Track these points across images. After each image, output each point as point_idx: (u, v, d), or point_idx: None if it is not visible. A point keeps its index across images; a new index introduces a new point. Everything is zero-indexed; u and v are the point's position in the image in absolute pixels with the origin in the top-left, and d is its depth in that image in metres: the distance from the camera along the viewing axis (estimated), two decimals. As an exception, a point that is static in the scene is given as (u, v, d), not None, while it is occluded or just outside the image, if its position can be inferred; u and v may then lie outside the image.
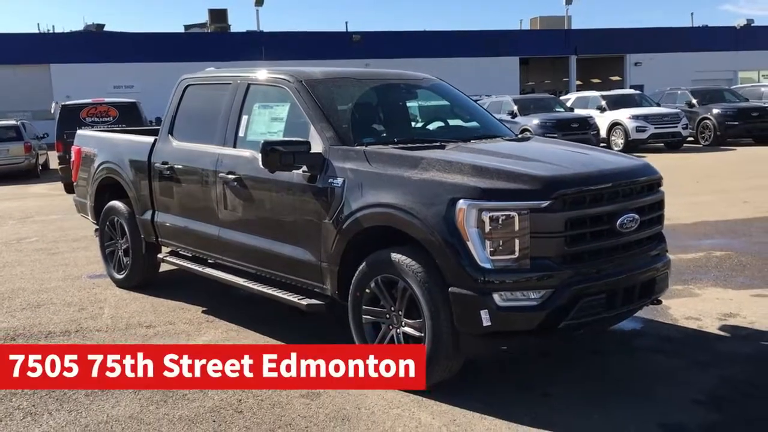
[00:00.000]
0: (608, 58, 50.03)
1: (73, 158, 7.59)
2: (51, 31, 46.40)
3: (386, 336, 4.36)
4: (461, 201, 3.90)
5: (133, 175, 6.47)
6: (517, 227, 3.87)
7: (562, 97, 25.23)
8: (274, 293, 5.05)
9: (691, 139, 22.57)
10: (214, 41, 44.64)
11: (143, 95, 34.90)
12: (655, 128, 20.71)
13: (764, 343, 4.98)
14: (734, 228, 9.06)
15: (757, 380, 4.35)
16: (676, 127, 20.91)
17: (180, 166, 5.88)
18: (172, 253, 6.35)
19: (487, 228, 3.86)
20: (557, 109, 21.82)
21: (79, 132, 7.76)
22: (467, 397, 4.13)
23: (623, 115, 21.22)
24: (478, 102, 20.95)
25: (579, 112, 21.77)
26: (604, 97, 22.79)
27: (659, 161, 18.33)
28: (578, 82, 49.72)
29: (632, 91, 25.39)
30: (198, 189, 5.70)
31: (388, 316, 4.34)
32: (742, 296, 6.08)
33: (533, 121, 20.01)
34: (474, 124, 5.64)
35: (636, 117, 20.92)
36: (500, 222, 3.86)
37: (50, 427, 3.92)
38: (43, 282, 7.34)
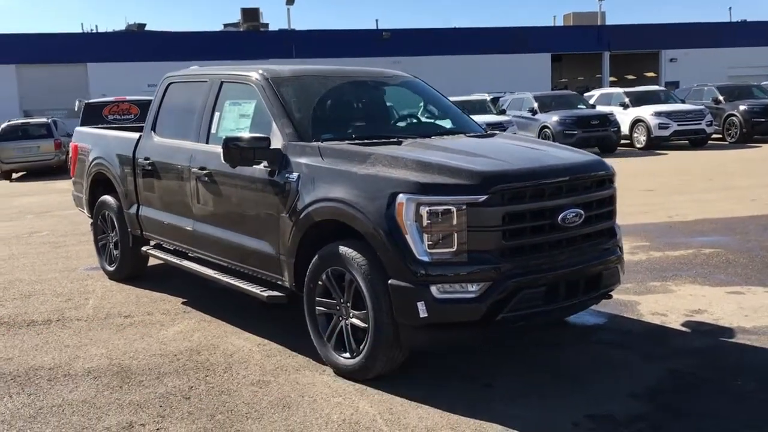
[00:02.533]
0: (643, 54, 49.28)
1: (71, 154, 7.85)
2: (93, 31, 47.39)
3: (337, 327, 4.48)
4: (401, 195, 4.00)
5: (120, 170, 6.69)
6: (454, 221, 3.95)
7: (586, 94, 24.99)
8: (240, 285, 5.21)
9: (719, 136, 22.23)
10: (246, 40, 45.16)
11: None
12: (678, 125, 20.44)
13: (722, 339, 4.98)
14: (732, 225, 8.97)
15: (703, 373, 4.37)
16: (700, 124, 20.61)
17: (159, 162, 6.08)
18: (156, 247, 6.55)
19: (425, 222, 3.95)
20: (579, 106, 21.65)
21: (76, 129, 8.03)
22: (410, 387, 4.23)
23: (646, 111, 20.98)
24: (500, 99, 20.96)
25: (601, 109, 21.57)
26: (627, 94, 22.55)
27: (678, 159, 18.24)
28: (612, 79, 49.09)
29: (657, 87, 25.07)
30: (175, 184, 5.89)
31: (338, 307, 4.46)
32: (716, 293, 6.06)
33: (553, 119, 19.93)
34: (440, 120, 5.73)
35: (659, 114, 20.68)
36: (438, 216, 3.95)
37: (7, 409, 4.12)
38: (41, 273, 7.62)
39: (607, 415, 3.81)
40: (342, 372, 4.45)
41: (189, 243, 5.89)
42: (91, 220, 7.48)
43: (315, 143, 4.72)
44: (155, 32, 45.64)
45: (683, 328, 5.23)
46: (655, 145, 20.70)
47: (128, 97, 17.32)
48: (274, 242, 4.84)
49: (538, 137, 20.34)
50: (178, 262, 6.04)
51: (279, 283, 4.92)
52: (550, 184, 4.22)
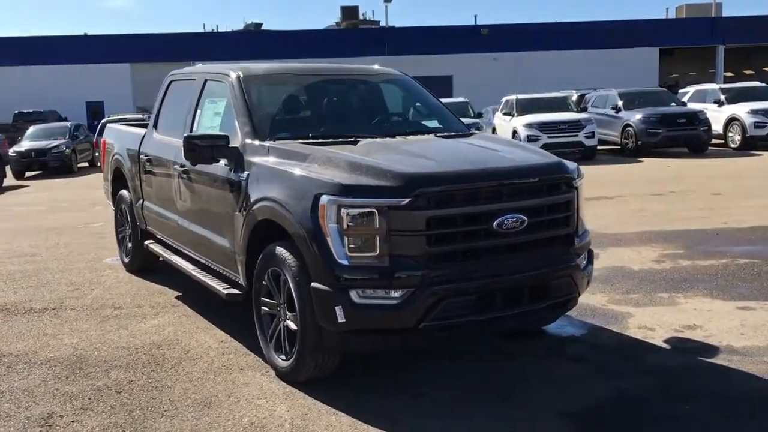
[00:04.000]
0: (763, 47, 46.34)
1: (101, 149, 8.18)
2: (215, 30, 49.43)
3: (277, 328, 4.44)
4: (324, 197, 3.90)
5: (129, 165, 6.91)
6: (376, 225, 3.82)
7: (680, 91, 23.70)
8: (206, 281, 5.26)
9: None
10: (345, 37, 45.79)
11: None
12: (777, 124, 19.01)
13: (700, 358, 4.58)
14: (788, 234, 8.26)
15: (653, 395, 4.04)
16: (803, 123, 19.09)
17: (154, 158, 6.23)
18: (156, 240, 6.71)
19: (345, 224, 3.84)
20: (671, 104, 20.53)
21: (107, 125, 8.34)
22: (339, 393, 4.13)
23: (742, 109, 19.65)
24: (584, 96, 20.16)
25: (693, 106, 20.37)
26: (723, 90, 21.19)
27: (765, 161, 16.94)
28: (728, 74, 46.45)
29: (758, 83, 23.35)
30: (165, 180, 6.02)
31: (278, 308, 4.41)
32: (724, 308, 5.59)
33: (636, 116, 19.02)
34: (425, 119, 5.56)
35: (755, 112, 19.31)
36: (359, 219, 3.83)
37: (-48, 392, 4.33)
38: (70, 263, 7.99)
39: (521, 435, 3.58)
40: (279, 374, 4.40)
41: (176, 238, 6.01)
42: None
43: (266, 142, 4.68)
44: (267, 31, 47.08)
45: (663, 345, 4.86)
46: (751, 145, 19.34)
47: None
48: (231, 240, 4.85)
49: (621, 136, 19.51)
50: (167, 256, 6.16)
51: (237, 281, 4.93)
52: (486, 188, 4.01)
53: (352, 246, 3.86)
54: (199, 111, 5.67)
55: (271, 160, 4.51)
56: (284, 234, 4.27)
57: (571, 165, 4.55)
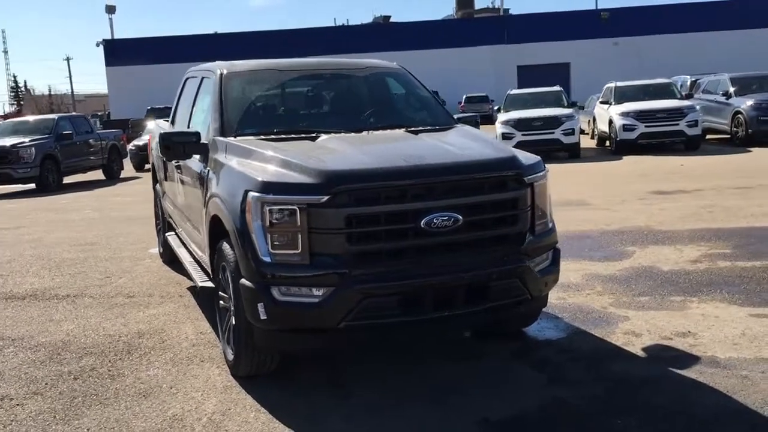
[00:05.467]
0: None
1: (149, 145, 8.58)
2: (345, 24, 50.71)
3: (229, 322, 4.49)
4: (250, 193, 3.91)
5: (156, 160, 7.20)
6: (298, 222, 3.79)
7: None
8: (191, 273, 5.40)
9: None
10: (464, 27, 45.36)
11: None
12: None
13: (670, 369, 4.22)
14: None
15: (589, 407, 3.77)
16: None
17: (166, 153, 6.46)
18: (175, 233, 6.96)
19: (268, 221, 3.83)
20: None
21: (154, 122, 8.73)
22: (272, 392, 4.12)
23: None
24: (697, 82, 18.82)
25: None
26: None
27: None
28: None
29: None
30: (171, 174, 6.24)
31: (229, 303, 4.47)
32: (735, 315, 5.12)
33: (747, 103, 17.65)
34: (394, 113, 5.42)
35: None
36: (281, 216, 3.81)
37: (-65, 371, 4.70)
38: (119, 251, 8.45)
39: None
40: (228, 367, 4.46)
41: (182, 230, 6.21)
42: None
43: (228, 139, 4.74)
44: (394, 23, 47.62)
45: (639, 353, 4.52)
46: None
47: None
48: (202, 233, 4.96)
49: (730, 124, 18.17)
50: (176, 248, 6.38)
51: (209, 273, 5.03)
52: (413, 186, 3.86)
53: (275, 243, 3.84)
54: (195, 107, 5.83)
55: (224, 157, 4.57)
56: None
57: (527, 161, 4.31)
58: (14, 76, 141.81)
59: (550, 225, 4.44)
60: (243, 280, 3.97)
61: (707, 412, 3.65)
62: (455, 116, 5.66)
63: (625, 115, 17.66)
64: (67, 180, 18.76)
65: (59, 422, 3.85)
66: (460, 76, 41.66)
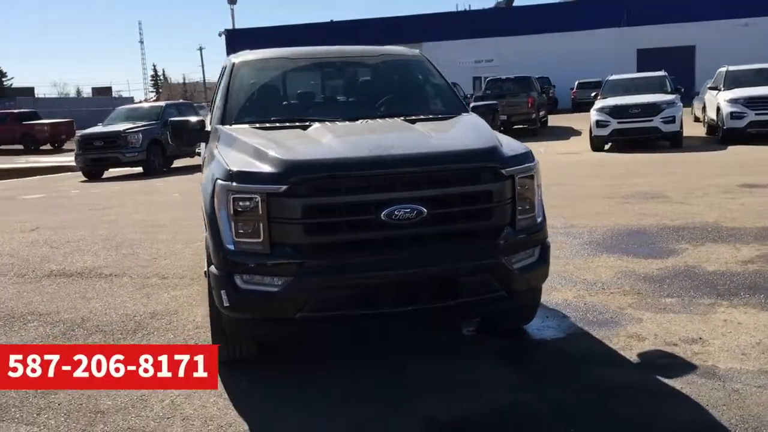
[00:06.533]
0: None
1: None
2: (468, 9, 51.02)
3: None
4: (218, 182, 3.96)
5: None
6: (259, 211, 3.80)
7: None
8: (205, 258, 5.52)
9: None
10: (583, 9, 43.73)
11: (502, 69, 36.42)
12: None
13: (657, 377, 3.92)
14: None
15: (546, 412, 3.58)
16: None
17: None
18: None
19: (232, 210, 3.87)
20: None
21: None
22: (240, 380, 4.18)
23: None
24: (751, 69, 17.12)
25: None
26: None
27: None
28: None
29: None
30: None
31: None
32: (758, 322, 4.71)
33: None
34: (400, 101, 5.28)
35: None
36: (244, 205, 3.84)
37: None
38: (177, 234, 8.78)
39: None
40: (220, 354, 4.55)
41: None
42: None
43: (223, 127, 4.81)
44: (515, 7, 47.11)
45: (632, 359, 4.23)
46: None
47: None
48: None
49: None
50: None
51: (214, 259, 5.13)
52: (375, 176, 3.78)
53: (239, 231, 3.87)
54: (217, 95, 5.94)
55: (215, 145, 4.63)
56: None
57: (511, 152, 4.10)
58: (153, 66, 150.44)
59: (539, 220, 4.21)
60: (212, 267, 4.03)
61: (670, 427, 3.37)
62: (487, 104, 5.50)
63: (733, 101, 16.47)
64: (177, 163, 19.71)
65: (37, 395, 4.06)
66: (577, 61, 40.30)
